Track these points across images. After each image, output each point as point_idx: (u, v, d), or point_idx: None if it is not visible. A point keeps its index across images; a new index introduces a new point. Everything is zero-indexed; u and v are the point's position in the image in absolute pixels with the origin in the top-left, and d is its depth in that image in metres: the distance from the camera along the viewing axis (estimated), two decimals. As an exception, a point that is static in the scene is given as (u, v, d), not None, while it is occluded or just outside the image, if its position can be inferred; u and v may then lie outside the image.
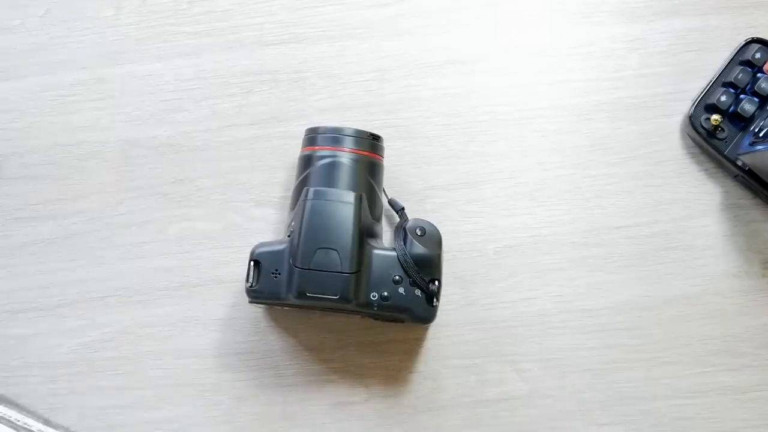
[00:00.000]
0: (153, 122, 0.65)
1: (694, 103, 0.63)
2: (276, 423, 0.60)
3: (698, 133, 0.62)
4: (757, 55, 0.63)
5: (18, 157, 0.64)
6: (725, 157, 0.62)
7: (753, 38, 0.63)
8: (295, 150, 0.61)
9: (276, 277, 0.55)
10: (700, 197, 0.63)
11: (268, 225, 0.63)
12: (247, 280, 0.55)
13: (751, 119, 0.62)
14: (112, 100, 0.65)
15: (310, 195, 0.55)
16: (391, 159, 0.62)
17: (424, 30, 0.66)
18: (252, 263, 0.55)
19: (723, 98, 0.62)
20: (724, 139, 0.62)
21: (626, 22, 0.66)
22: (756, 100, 0.62)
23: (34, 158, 0.64)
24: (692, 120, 0.62)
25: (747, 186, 0.62)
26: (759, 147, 0.58)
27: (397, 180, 0.63)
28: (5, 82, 0.66)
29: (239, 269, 0.60)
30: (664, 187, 0.63)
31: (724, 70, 0.63)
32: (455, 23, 0.66)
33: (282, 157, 0.64)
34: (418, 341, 0.61)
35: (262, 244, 0.56)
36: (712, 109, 0.62)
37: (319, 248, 0.54)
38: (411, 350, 0.61)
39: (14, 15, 0.67)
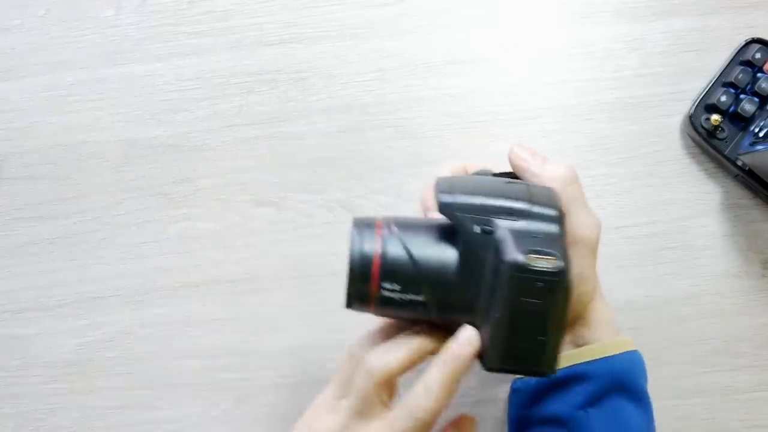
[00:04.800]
0: (153, 122, 0.65)
1: (694, 103, 0.63)
2: (275, 423, 0.60)
3: (698, 133, 0.62)
4: (757, 55, 0.63)
5: (18, 157, 0.64)
6: (725, 157, 0.62)
7: (753, 38, 0.63)
8: (295, 150, 0.61)
9: None
10: (700, 197, 0.63)
11: (268, 225, 0.63)
12: None
13: (751, 119, 0.62)
14: (112, 100, 0.65)
15: None
16: (391, 159, 0.62)
17: (425, 30, 0.66)
18: None
19: (723, 98, 0.62)
20: (724, 139, 0.62)
21: (626, 22, 0.66)
22: (756, 100, 0.62)
23: (34, 158, 0.64)
24: (692, 120, 0.62)
25: (747, 186, 0.62)
26: (759, 147, 0.58)
27: (398, 180, 0.63)
28: (5, 82, 0.66)
29: (239, 269, 0.60)
30: (663, 187, 0.63)
31: (724, 70, 0.63)
32: (456, 23, 0.66)
33: (282, 157, 0.64)
34: (419, 341, 0.61)
35: None
36: (712, 109, 0.62)
37: None
38: (411, 350, 0.61)
39: (14, 15, 0.67)
